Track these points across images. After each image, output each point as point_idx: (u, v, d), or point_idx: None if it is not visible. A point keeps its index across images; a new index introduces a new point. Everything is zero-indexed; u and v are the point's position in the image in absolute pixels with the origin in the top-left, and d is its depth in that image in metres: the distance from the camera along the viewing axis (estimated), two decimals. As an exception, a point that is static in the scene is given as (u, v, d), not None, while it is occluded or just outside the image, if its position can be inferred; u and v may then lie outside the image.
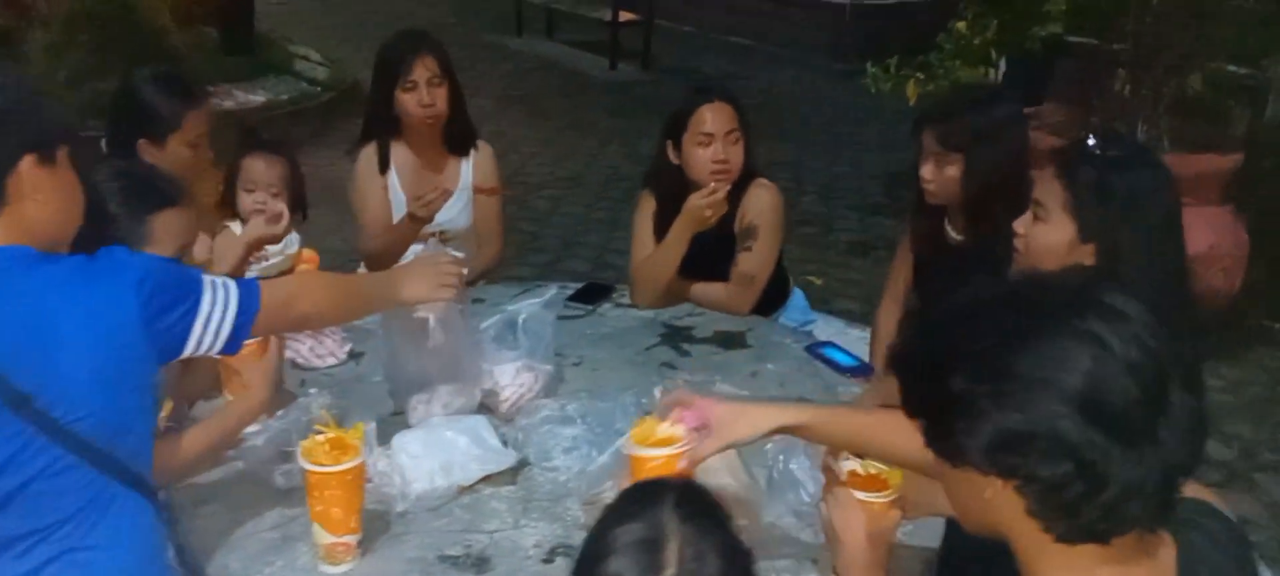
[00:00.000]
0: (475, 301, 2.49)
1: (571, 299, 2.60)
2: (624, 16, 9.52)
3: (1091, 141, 1.80)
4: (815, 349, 2.41)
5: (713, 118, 2.49)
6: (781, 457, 1.72)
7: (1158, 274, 1.71)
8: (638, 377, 2.22)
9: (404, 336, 1.98)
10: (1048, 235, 1.74)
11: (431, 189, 2.61)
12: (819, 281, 4.94)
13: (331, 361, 2.23)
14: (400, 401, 1.99)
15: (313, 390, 1.94)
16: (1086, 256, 1.74)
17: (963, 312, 1.04)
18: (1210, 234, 3.65)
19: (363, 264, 2.83)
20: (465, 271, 1.98)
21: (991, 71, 4.71)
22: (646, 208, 2.70)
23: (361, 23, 10.09)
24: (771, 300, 2.74)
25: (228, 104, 6.72)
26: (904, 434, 1.16)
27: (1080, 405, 0.92)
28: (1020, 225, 1.80)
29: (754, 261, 2.59)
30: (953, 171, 2.23)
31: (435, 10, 11.10)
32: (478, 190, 2.75)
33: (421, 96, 2.62)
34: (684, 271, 2.57)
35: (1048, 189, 1.74)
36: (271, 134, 6.36)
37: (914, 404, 1.06)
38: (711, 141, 2.49)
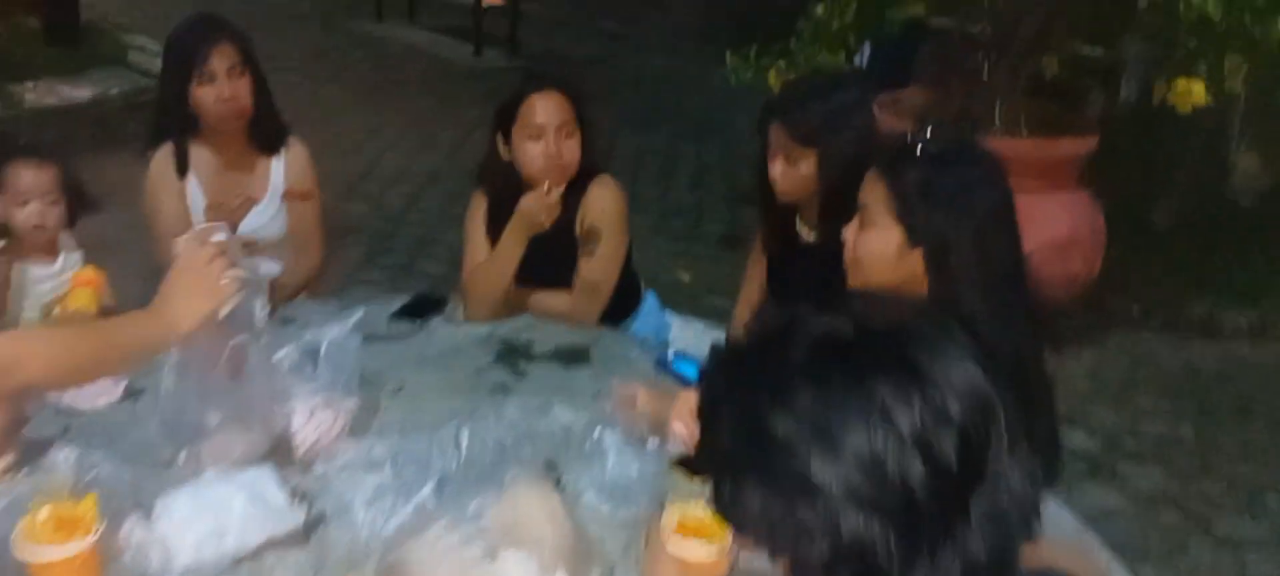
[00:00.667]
0: (285, 322, 2.22)
1: (396, 315, 2.34)
2: (489, 0, 9.21)
3: (912, 138, 1.68)
4: (665, 362, 2.21)
5: (543, 108, 2.27)
6: (597, 430, 1.72)
7: (990, 274, 1.60)
8: (464, 406, 1.98)
9: (181, 368, 1.71)
10: (875, 242, 1.63)
11: (234, 195, 2.31)
12: (687, 277, 4.77)
13: (103, 402, 1.92)
14: (175, 451, 1.70)
15: (63, 450, 1.63)
16: (917, 262, 1.63)
17: (739, 359, 0.90)
18: (1068, 220, 3.62)
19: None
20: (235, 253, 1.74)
21: (855, 57, 4.61)
22: (478, 209, 2.47)
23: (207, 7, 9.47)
24: (622, 306, 2.54)
25: (50, 100, 6.16)
26: None
27: (848, 490, 0.77)
28: (848, 232, 1.67)
29: (598, 267, 2.38)
30: (805, 167, 2.07)
31: (289, -6, 10.57)
32: (288, 195, 2.45)
33: (220, 90, 2.32)
34: (523, 279, 2.35)
35: (872, 191, 1.63)
36: (105, 132, 5.92)
37: (697, 456, 0.94)
38: (543, 134, 2.26)
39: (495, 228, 2.38)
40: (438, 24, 9.95)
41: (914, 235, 1.60)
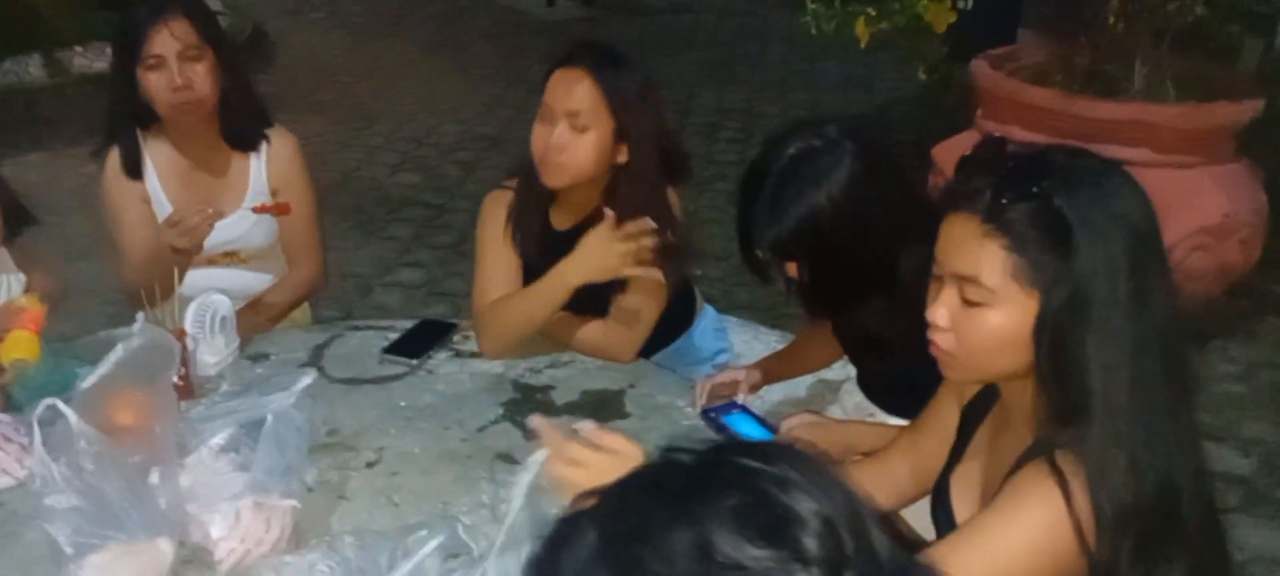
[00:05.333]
0: (253, 361, 1.82)
1: (389, 351, 1.91)
2: (563, -55, 8.71)
3: (993, 155, 1.15)
4: (713, 415, 1.74)
5: (559, 89, 1.81)
6: None
7: (1141, 347, 1.07)
8: (455, 486, 1.54)
9: (66, 444, 1.31)
10: (998, 324, 1.11)
11: (198, 204, 1.90)
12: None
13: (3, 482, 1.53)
14: (65, 568, 1.30)
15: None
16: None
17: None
18: (1225, 199, 3.00)
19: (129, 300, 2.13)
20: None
21: (962, 2, 3.99)
22: (497, 208, 1.97)
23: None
24: (671, 325, 2.06)
25: (100, 65, 5.87)
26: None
27: None
28: (939, 316, 1.15)
29: (642, 293, 1.88)
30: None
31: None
32: (260, 209, 2.00)
33: (170, 77, 1.90)
34: None
35: (972, 252, 1.10)
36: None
37: None
38: (552, 119, 1.80)
39: (521, 235, 1.93)
40: (510, -27, 9.49)
41: (1059, 300, 1.07)
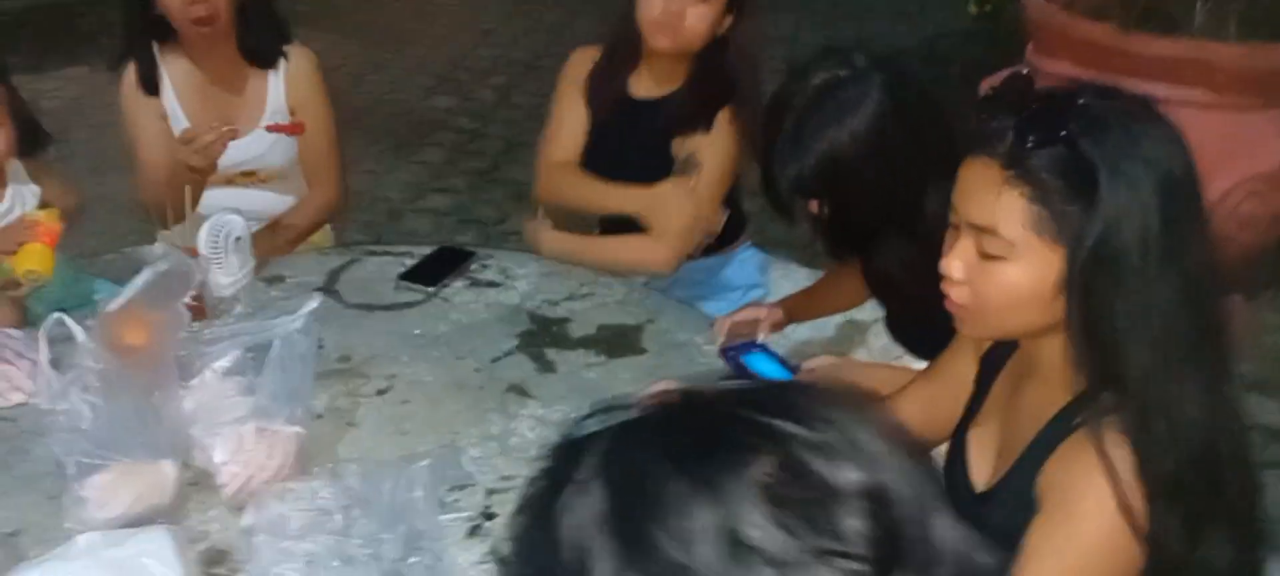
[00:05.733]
0: (269, 282, 1.80)
1: (405, 277, 1.87)
2: None
3: (1022, 93, 1.06)
4: (734, 354, 1.69)
5: None
6: None
7: (1181, 300, 0.98)
8: (465, 416, 1.51)
9: (73, 361, 1.30)
10: (1020, 279, 1.02)
11: (214, 121, 1.86)
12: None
13: (11, 401, 1.52)
14: (68, 487, 1.29)
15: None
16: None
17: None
18: (1284, 143, 2.85)
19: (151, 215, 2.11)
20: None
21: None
22: (581, 65, 2.03)
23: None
24: (722, 237, 2.08)
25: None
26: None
27: None
28: (954, 268, 1.07)
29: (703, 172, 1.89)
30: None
31: None
32: (275, 129, 1.97)
33: (186, -9, 1.85)
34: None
35: (992, 203, 1.01)
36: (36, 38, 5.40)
37: None
38: None
39: (595, 93, 1.98)
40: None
41: (1085, 253, 0.98)
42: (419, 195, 4.15)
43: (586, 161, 2.00)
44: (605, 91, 1.96)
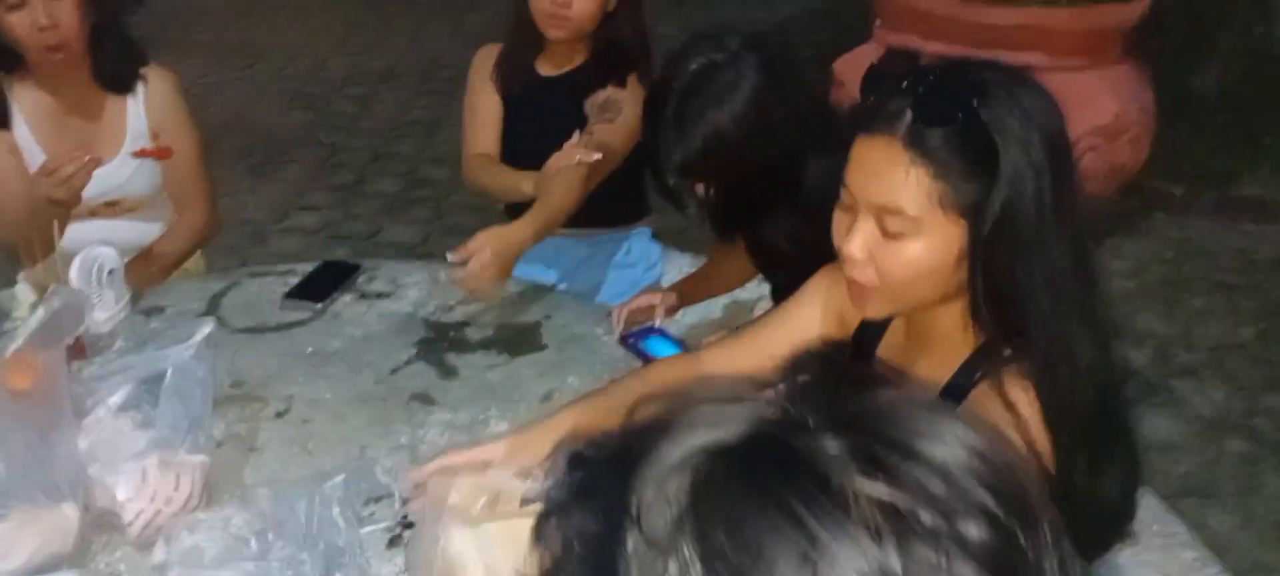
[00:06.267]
0: (146, 316, 1.73)
1: (290, 295, 1.84)
2: None
3: (899, 67, 1.11)
4: (634, 340, 1.73)
5: None
6: None
7: (1067, 255, 1.03)
8: (370, 430, 1.50)
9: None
10: (922, 253, 1.04)
11: (73, 151, 1.78)
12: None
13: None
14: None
15: None
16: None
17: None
18: (1115, 100, 3.09)
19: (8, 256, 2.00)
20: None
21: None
22: (484, 65, 2.13)
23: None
24: (624, 212, 2.20)
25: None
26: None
27: None
28: (855, 248, 1.06)
29: (614, 131, 1.96)
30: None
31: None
32: (142, 154, 1.90)
33: (35, 16, 1.77)
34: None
35: (900, 185, 1.02)
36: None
37: None
38: None
39: (504, 81, 2.10)
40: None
41: (987, 222, 1.01)
42: (284, 214, 4.04)
43: (508, 141, 2.11)
44: (515, 77, 2.08)
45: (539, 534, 0.52)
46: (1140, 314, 3.37)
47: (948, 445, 0.46)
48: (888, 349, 1.24)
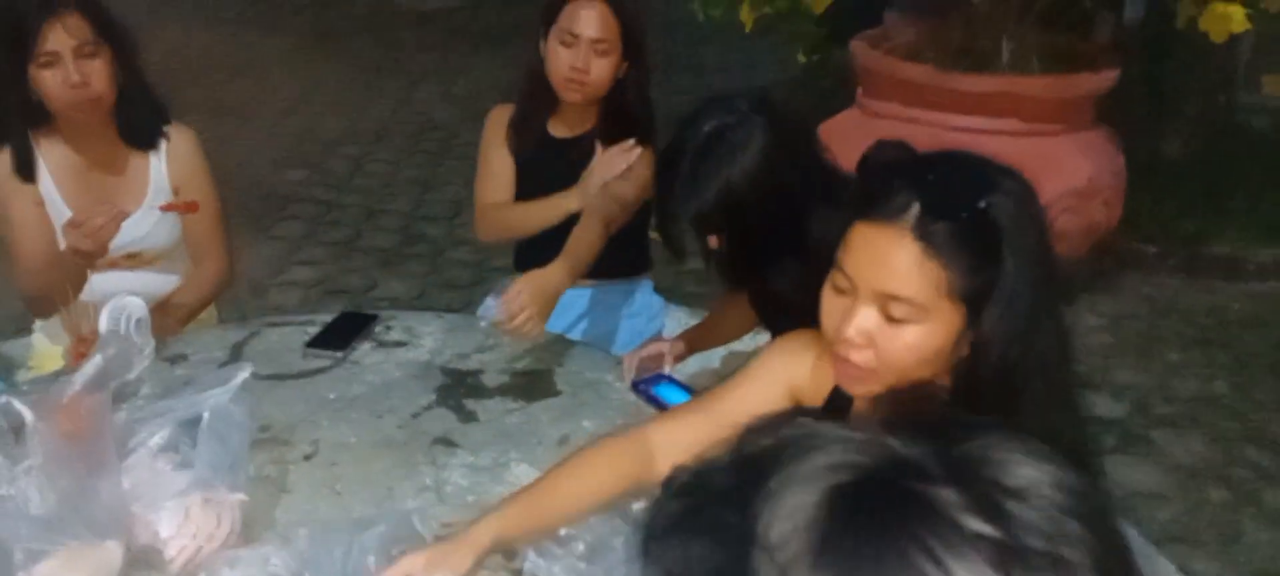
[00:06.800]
0: (171, 362, 1.79)
1: (312, 344, 1.90)
2: (433, -64, 8.60)
3: (897, 158, 1.16)
4: (645, 387, 1.80)
5: (586, 17, 2.04)
6: None
7: (1052, 334, 1.09)
8: (396, 471, 1.56)
9: (27, 451, 1.28)
10: (924, 338, 1.07)
11: (99, 205, 1.84)
12: (655, 234, 4.34)
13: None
14: (10, 569, 1.27)
15: None
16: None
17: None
18: (1088, 165, 3.21)
19: (28, 306, 2.06)
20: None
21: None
22: (499, 121, 2.24)
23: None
24: (630, 264, 2.31)
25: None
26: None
27: None
28: (855, 333, 1.09)
29: (628, 184, 2.06)
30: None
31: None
32: (168, 208, 1.98)
33: (67, 74, 1.84)
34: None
35: (908, 273, 1.05)
36: None
37: None
38: (576, 44, 2.04)
39: (518, 140, 2.21)
40: (381, -36, 9.31)
41: (979, 306, 1.05)
42: (281, 269, 4.10)
43: (520, 198, 2.20)
44: (528, 136, 2.18)
45: (643, 560, 0.54)
46: (1118, 368, 3.48)
47: (1042, 478, 0.50)
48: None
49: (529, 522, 1.28)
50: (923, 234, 1.03)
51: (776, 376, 1.34)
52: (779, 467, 0.50)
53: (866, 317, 1.08)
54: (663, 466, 1.28)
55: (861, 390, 1.17)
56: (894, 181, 1.07)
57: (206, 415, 1.40)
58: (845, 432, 0.52)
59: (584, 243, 1.97)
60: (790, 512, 0.48)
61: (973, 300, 1.05)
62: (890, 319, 1.07)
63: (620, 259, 2.17)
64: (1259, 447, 3.09)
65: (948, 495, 0.48)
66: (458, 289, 3.84)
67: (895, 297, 1.06)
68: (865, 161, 1.22)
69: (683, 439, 1.32)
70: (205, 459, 1.36)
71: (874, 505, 0.48)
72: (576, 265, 1.94)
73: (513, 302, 1.79)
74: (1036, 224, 1.06)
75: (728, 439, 0.56)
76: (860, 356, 1.10)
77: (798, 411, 0.61)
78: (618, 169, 2.01)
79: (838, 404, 1.27)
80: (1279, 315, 3.85)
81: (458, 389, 1.78)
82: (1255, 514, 2.82)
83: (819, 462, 0.50)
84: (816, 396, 1.29)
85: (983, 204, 1.04)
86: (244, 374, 1.42)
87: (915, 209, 1.04)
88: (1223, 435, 3.15)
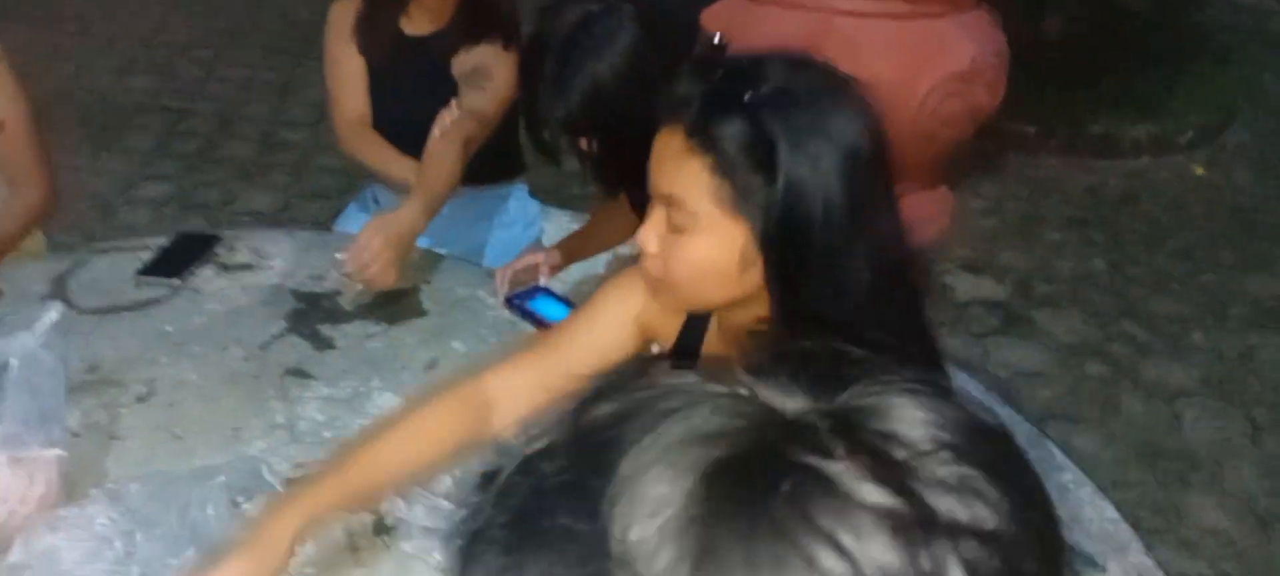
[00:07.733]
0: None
1: (146, 272, 1.71)
2: None
3: (708, 58, 1.05)
4: (520, 301, 1.68)
5: None
6: None
7: (875, 267, 0.98)
8: (243, 410, 1.41)
9: None
10: (704, 253, 1.00)
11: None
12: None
13: None
14: None
15: None
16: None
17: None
18: (971, 46, 3.14)
19: None
20: None
21: None
22: (342, 20, 1.98)
23: None
24: (500, 169, 2.13)
25: None
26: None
27: None
28: (646, 238, 1.03)
29: (485, 96, 1.89)
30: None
31: None
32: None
33: None
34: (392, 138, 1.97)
35: (679, 175, 0.98)
36: None
37: None
38: None
39: (367, 40, 1.97)
40: None
41: (768, 228, 0.96)
42: (130, 186, 3.79)
43: (376, 105, 1.99)
44: (378, 35, 1.96)
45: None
46: (1000, 250, 3.51)
47: (938, 422, 0.40)
48: (711, 348, 1.17)
49: (346, 497, 1.10)
50: (693, 131, 0.97)
51: (623, 308, 1.20)
52: (629, 444, 0.38)
53: (655, 224, 1.03)
54: (502, 419, 1.15)
55: (662, 302, 1.11)
56: (688, 78, 1.00)
57: (13, 362, 1.23)
58: (706, 387, 0.41)
59: (441, 172, 1.73)
60: (652, 507, 0.37)
61: (756, 218, 0.96)
62: (673, 227, 1.01)
63: (489, 162, 1.99)
64: (1135, 322, 3.16)
65: (843, 466, 0.38)
66: (326, 199, 3.61)
67: (670, 201, 1.00)
68: (680, 64, 1.11)
69: (522, 387, 1.18)
70: (13, 413, 1.20)
71: (760, 490, 0.37)
72: (433, 200, 1.69)
73: (364, 250, 1.58)
74: (841, 148, 0.94)
75: (570, 390, 0.44)
76: (651, 265, 1.05)
77: (644, 361, 0.49)
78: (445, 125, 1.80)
79: (690, 339, 1.17)
80: (1152, 192, 3.93)
81: (312, 314, 1.63)
82: (1132, 387, 2.89)
83: (679, 433, 0.38)
84: (667, 328, 1.19)
85: (749, 104, 0.94)
86: (53, 314, 1.24)
87: (694, 107, 0.97)
88: (1101, 311, 3.21)
